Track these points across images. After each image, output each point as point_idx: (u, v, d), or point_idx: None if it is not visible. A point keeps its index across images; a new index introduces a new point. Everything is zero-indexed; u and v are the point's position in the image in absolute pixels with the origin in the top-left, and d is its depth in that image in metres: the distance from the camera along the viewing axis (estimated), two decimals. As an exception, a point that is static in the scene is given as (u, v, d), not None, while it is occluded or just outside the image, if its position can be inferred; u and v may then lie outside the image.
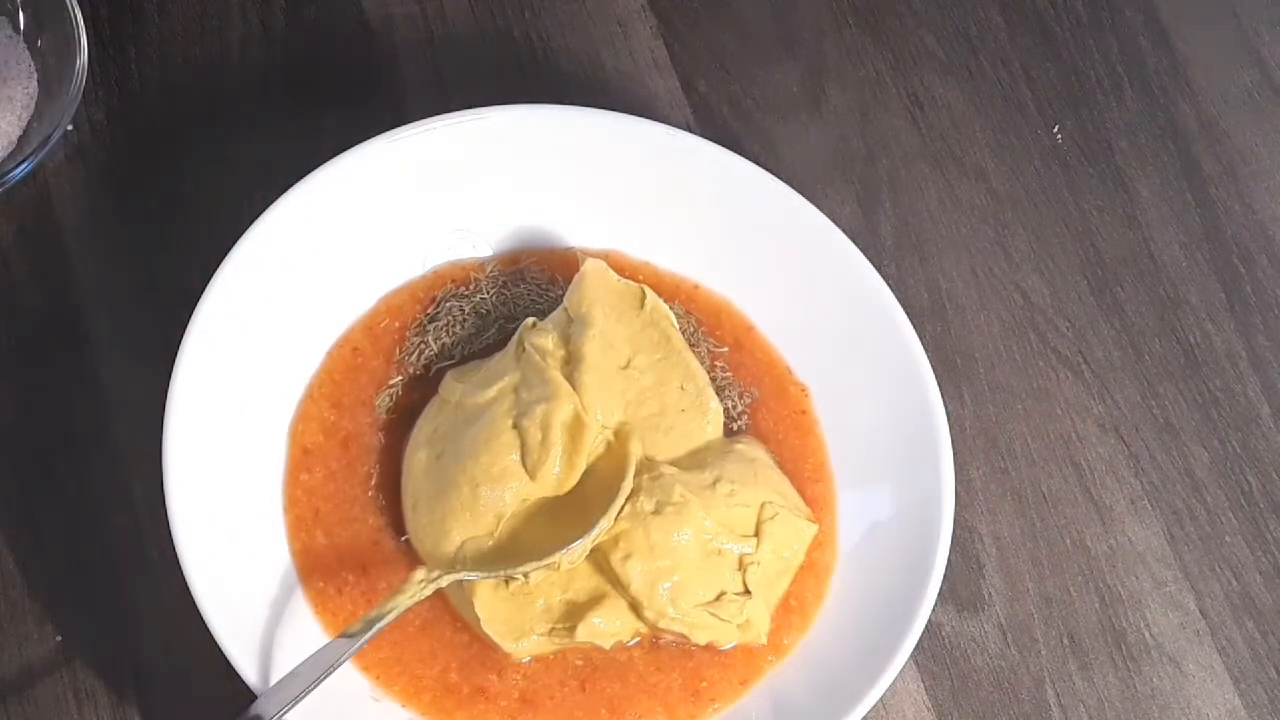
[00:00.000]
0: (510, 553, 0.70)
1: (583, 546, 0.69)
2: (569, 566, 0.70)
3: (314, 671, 0.64)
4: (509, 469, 0.70)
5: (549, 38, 0.87)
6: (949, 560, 0.72)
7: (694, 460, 0.74)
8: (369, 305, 0.77)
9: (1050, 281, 0.86)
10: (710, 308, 0.79)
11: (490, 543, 0.70)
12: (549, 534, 0.70)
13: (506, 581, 0.70)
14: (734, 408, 0.77)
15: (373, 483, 0.74)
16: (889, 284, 0.76)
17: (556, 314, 0.75)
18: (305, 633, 0.70)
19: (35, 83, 0.78)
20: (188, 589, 0.67)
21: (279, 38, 0.85)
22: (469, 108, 0.77)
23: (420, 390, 0.76)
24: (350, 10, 0.86)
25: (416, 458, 0.73)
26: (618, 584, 0.71)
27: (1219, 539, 0.82)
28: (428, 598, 0.68)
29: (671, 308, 0.76)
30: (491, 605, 0.70)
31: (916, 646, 0.71)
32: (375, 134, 0.75)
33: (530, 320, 0.75)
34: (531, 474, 0.71)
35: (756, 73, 0.88)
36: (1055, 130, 0.89)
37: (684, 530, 0.71)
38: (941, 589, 0.71)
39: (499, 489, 0.70)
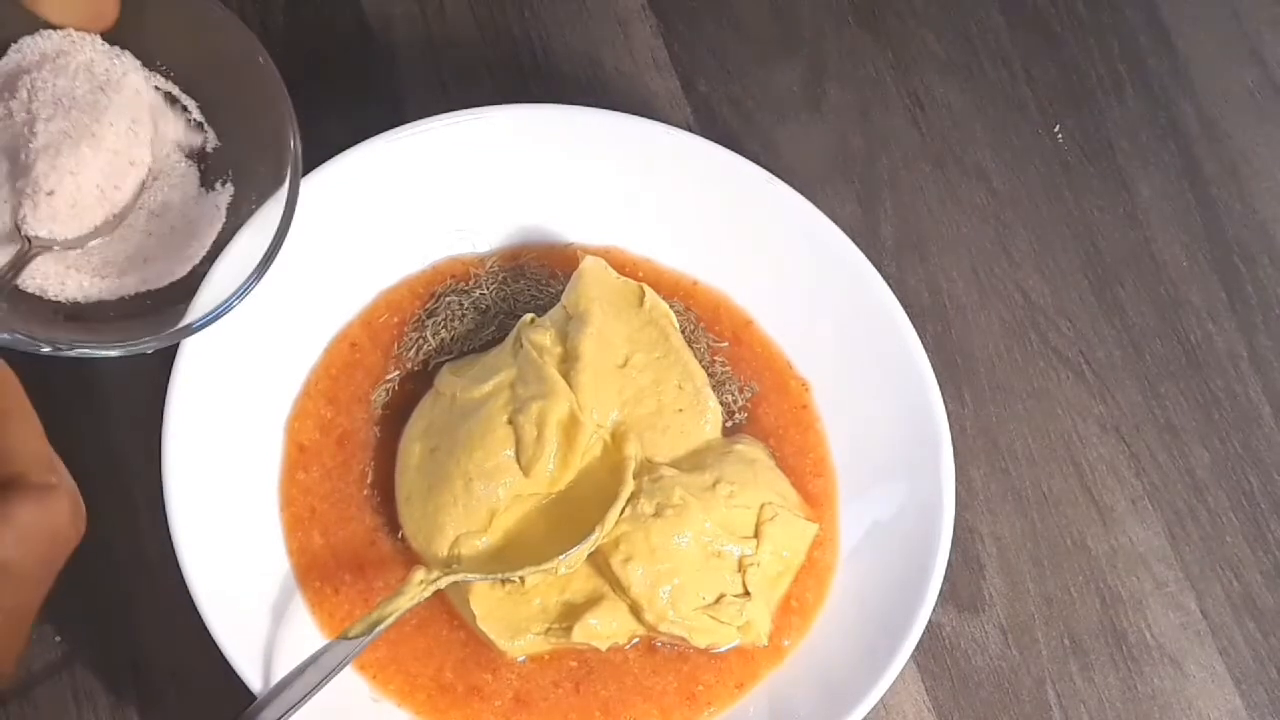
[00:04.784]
0: (506, 551, 0.70)
1: (581, 552, 0.69)
2: (567, 571, 0.70)
3: (315, 675, 0.64)
4: (503, 465, 0.70)
5: (549, 37, 0.87)
6: (949, 560, 0.72)
7: (693, 461, 0.74)
8: (368, 301, 0.77)
9: (1051, 281, 0.86)
10: (709, 303, 0.79)
11: (485, 539, 0.70)
12: (544, 533, 0.71)
13: (503, 582, 0.70)
14: (734, 402, 0.77)
15: (368, 480, 0.74)
16: (889, 283, 0.76)
17: (555, 311, 0.75)
18: (304, 633, 0.70)
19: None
20: (187, 589, 0.67)
21: (279, 37, 0.85)
22: (469, 107, 0.77)
23: (417, 386, 0.76)
24: (350, 10, 0.86)
25: (411, 451, 0.73)
26: (618, 586, 0.70)
27: (1220, 539, 0.81)
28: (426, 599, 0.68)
29: (671, 304, 0.76)
30: (488, 603, 0.70)
31: (917, 647, 0.71)
32: (375, 133, 0.75)
33: (529, 316, 0.75)
34: (526, 470, 0.71)
35: (756, 73, 0.88)
36: (1056, 130, 0.89)
37: (684, 533, 0.71)
38: (942, 589, 0.71)
39: (493, 484, 0.70)
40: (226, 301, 0.62)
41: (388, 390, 0.76)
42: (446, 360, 0.76)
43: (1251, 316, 0.86)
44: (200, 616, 0.67)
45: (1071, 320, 0.85)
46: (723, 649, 0.73)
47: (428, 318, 0.77)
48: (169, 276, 0.64)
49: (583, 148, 0.77)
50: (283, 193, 0.64)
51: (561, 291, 0.76)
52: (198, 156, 0.66)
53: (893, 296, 0.76)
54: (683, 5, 0.89)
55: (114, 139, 0.61)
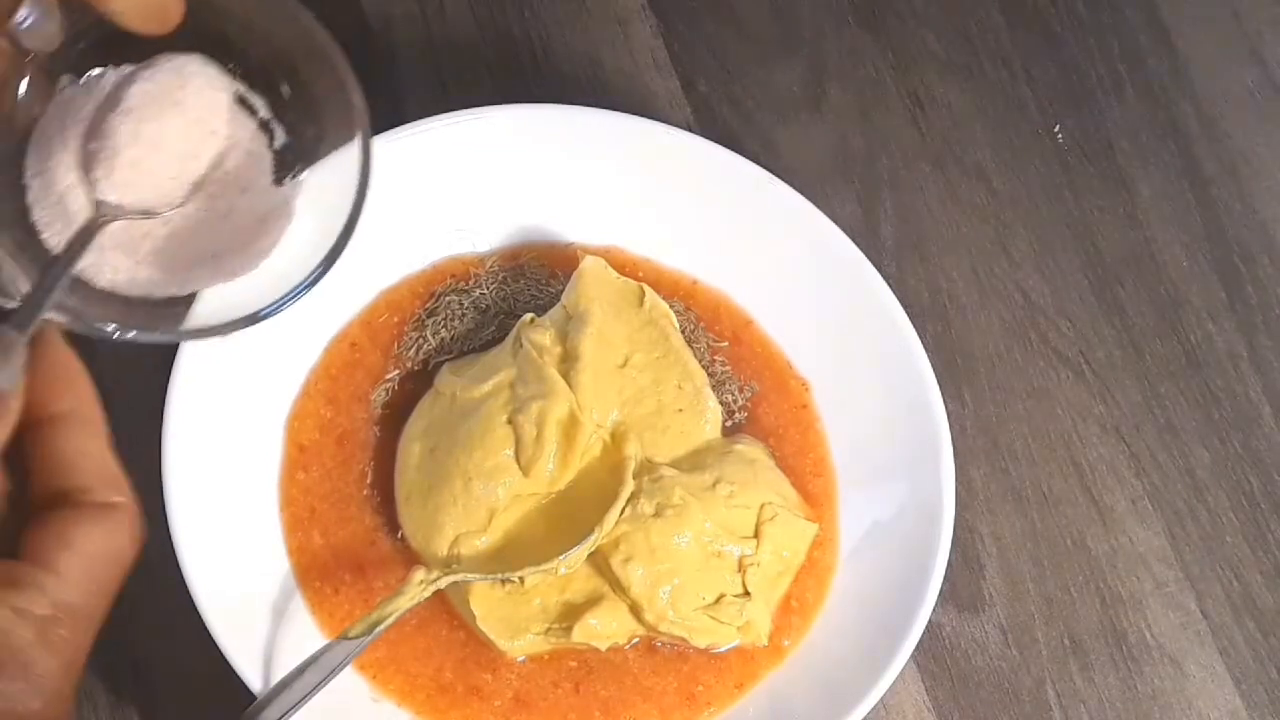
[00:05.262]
0: (506, 551, 0.70)
1: (581, 552, 0.69)
2: (567, 572, 0.70)
3: (315, 675, 0.64)
4: (502, 464, 0.70)
5: (549, 37, 0.87)
6: (949, 560, 0.72)
7: (694, 461, 0.74)
8: (368, 300, 0.77)
9: (1051, 281, 0.86)
10: (709, 303, 0.79)
11: (484, 539, 0.70)
12: (544, 533, 0.70)
13: (503, 582, 0.70)
14: (734, 401, 0.77)
15: (368, 480, 0.74)
16: (889, 283, 0.76)
17: (555, 311, 0.75)
18: (304, 633, 0.70)
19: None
20: (188, 589, 0.67)
21: (279, 38, 0.84)
22: (469, 107, 0.77)
23: (417, 385, 0.76)
24: (350, 10, 0.86)
25: (410, 450, 0.73)
26: (618, 586, 0.70)
27: (1220, 539, 0.81)
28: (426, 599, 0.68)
29: (671, 304, 0.76)
30: (488, 603, 0.70)
31: (916, 647, 0.71)
32: (375, 133, 0.75)
33: (528, 316, 0.75)
34: (525, 470, 0.71)
35: (756, 72, 0.88)
36: (1056, 130, 0.89)
37: (684, 533, 0.70)
38: (942, 589, 0.71)
39: (492, 484, 0.70)
40: (297, 289, 0.61)
41: (387, 390, 0.76)
42: (446, 360, 0.76)
43: (1251, 316, 0.86)
44: (200, 616, 0.67)
45: (1071, 320, 0.85)
46: (723, 649, 0.73)
47: (428, 317, 0.77)
48: (241, 272, 0.64)
49: (583, 148, 0.77)
50: (351, 182, 0.63)
51: (561, 291, 0.76)
52: (268, 154, 0.66)
53: (893, 296, 0.76)
54: (683, 5, 0.88)
55: (197, 105, 0.60)
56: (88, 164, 0.58)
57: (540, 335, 0.73)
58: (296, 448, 0.74)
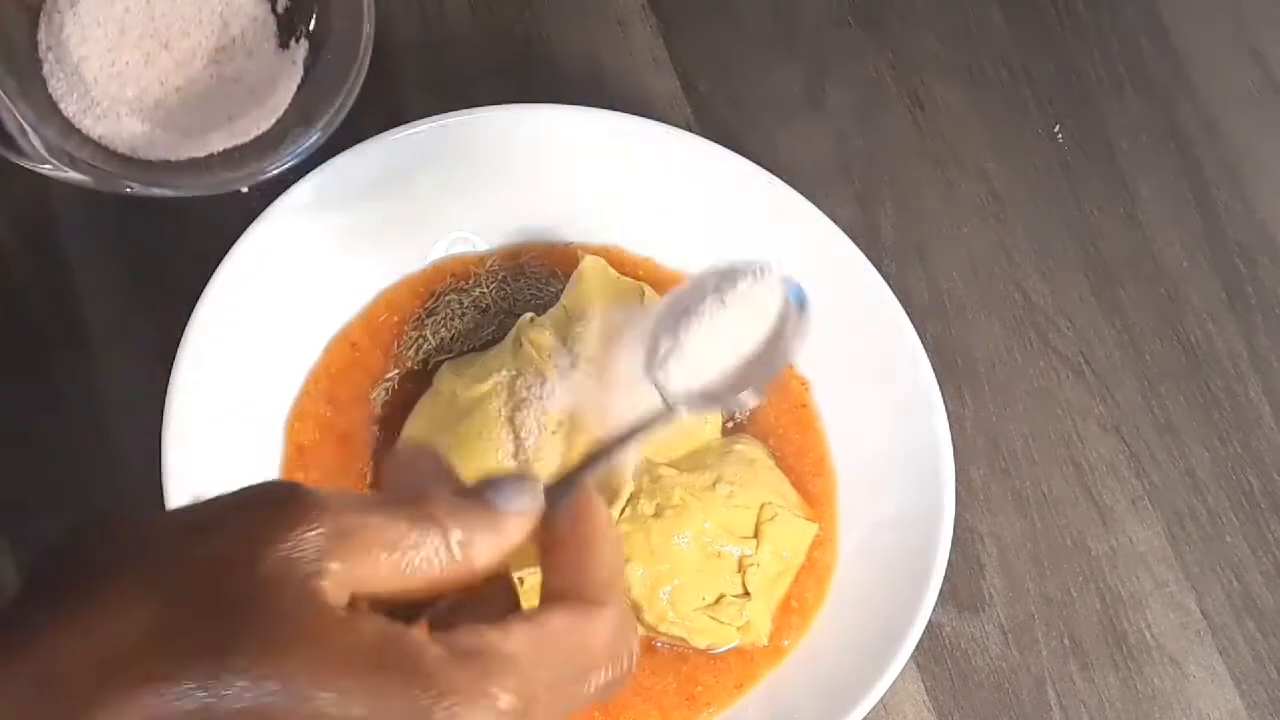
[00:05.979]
0: (505, 551, 0.70)
1: (581, 551, 0.69)
2: (566, 571, 0.70)
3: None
4: (501, 464, 0.70)
5: (548, 36, 0.86)
6: (949, 560, 0.72)
7: (693, 461, 0.74)
8: (368, 300, 0.77)
9: (1051, 281, 0.86)
10: (709, 303, 0.79)
11: (484, 539, 0.70)
12: (544, 532, 0.70)
13: (504, 581, 0.70)
14: (734, 401, 0.77)
15: (368, 480, 0.74)
16: (889, 283, 0.76)
17: (555, 310, 0.75)
18: (304, 632, 0.70)
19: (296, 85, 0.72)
20: (186, 589, 0.67)
21: (279, 37, 0.84)
22: (469, 107, 0.77)
23: (417, 384, 0.76)
24: (350, 10, 0.86)
25: (410, 449, 0.73)
26: (618, 586, 0.70)
27: (1220, 539, 0.81)
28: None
29: (671, 303, 0.76)
30: (488, 603, 0.70)
31: (916, 647, 0.71)
32: (374, 133, 0.75)
33: (528, 315, 0.75)
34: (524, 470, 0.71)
35: (756, 72, 0.88)
36: (1056, 130, 0.89)
37: (684, 533, 0.70)
38: (942, 589, 0.71)
39: (491, 484, 0.70)
40: (308, 143, 0.65)
41: (387, 389, 0.76)
42: (446, 359, 0.76)
43: (1251, 316, 0.86)
44: (200, 617, 0.67)
45: (1071, 320, 0.85)
46: (722, 649, 0.73)
47: (427, 316, 0.77)
48: (254, 131, 0.66)
49: (583, 148, 0.77)
50: (356, 36, 0.66)
51: (561, 291, 0.76)
52: (271, 18, 0.69)
53: (893, 296, 0.76)
54: (683, 5, 0.88)
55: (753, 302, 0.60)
56: (654, 359, 0.57)
57: (540, 334, 0.73)
58: (296, 448, 0.74)
